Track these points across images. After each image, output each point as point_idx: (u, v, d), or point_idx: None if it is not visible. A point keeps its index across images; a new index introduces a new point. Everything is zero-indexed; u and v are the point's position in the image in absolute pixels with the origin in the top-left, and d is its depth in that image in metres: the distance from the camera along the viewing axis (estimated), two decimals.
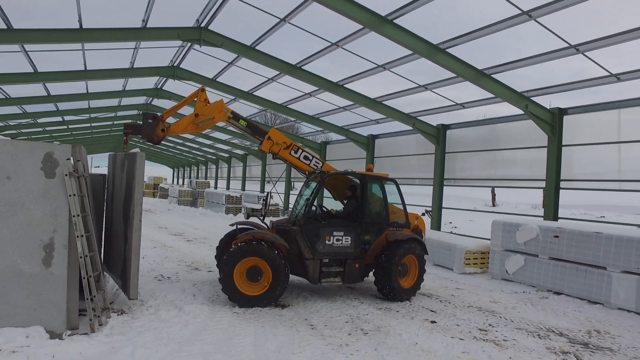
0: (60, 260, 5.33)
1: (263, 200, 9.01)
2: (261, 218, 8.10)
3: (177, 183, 52.25)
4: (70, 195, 5.48)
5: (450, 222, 21.55)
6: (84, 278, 5.46)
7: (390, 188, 8.64)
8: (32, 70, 13.30)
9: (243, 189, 30.66)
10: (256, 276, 6.91)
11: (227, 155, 33.56)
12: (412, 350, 5.41)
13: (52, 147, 5.61)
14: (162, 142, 34.10)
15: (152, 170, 56.14)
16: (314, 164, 8.54)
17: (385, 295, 7.81)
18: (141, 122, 7.70)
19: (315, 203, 8.10)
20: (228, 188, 33.69)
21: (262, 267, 6.91)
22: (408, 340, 5.73)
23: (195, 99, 7.89)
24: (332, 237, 7.59)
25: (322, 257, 7.55)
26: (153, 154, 46.21)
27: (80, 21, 10.03)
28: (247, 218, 8.51)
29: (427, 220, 9.71)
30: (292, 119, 19.72)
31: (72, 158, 5.88)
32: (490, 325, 6.69)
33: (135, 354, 4.72)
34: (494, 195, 34.83)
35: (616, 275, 8.04)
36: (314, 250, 7.47)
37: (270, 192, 9.58)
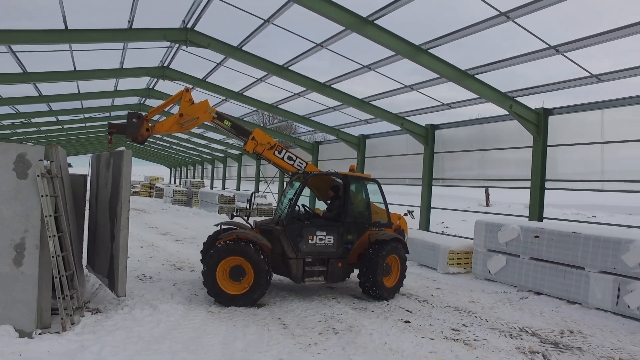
0: (31, 260, 5.38)
1: (247, 200, 9.10)
2: (245, 218, 8.19)
3: (174, 183, 52.31)
4: (42, 196, 5.54)
5: (442, 222, 21.61)
6: (55, 277, 5.52)
7: (372, 188, 8.73)
8: (22, 71, 13.36)
9: (238, 188, 30.73)
10: (239, 276, 6.99)
11: (222, 155, 33.64)
12: (380, 349, 5.47)
13: (25, 148, 5.66)
14: (159, 141, 34.03)
15: (149, 170, 56.24)
16: (297, 164, 8.61)
17: (369, 295, 7.91)
18: (125, 122, 7.72)
19: (298, 203, 8.16)
20: (223, 188, 33.76)
21: (245, 267, 6.99)
22: (378, 340, 5.78)
23: (180, 99, 7.92)
24: (315, 237, 7.67)
25: (305, 256, 7.63)
26: (150, 154, 46.29)
27: (65, 22, 10.09)
28: (232, 218, 8.59)
29: (409, 220, 9.77)
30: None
31: (51, 159, 5.99)
32: (464, 325, 6.74)
33: (102, 352, 4.79)
34: (487, 195, 34.87)
35: (594, 275, 8.08)
36: (297, 250, 7.55)
37: (254, 193, 9.70)
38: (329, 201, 8.95)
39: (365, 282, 7.88)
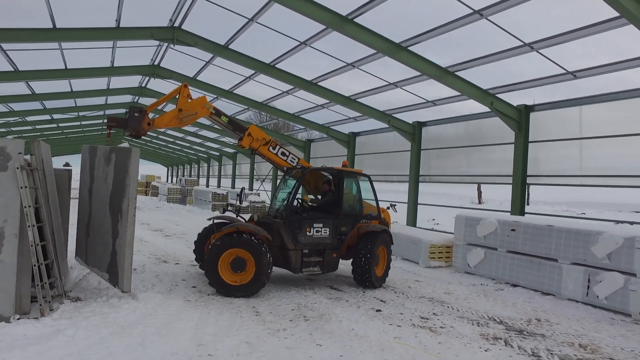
0: (10, 248, 5.59)
1: (237, 195, 9.38)
2: (236, 213, 8.47)
3: (171, 181, 52.54)
4: (21, 188, 5.75)
5: (434, 219, 21.82)
6: (34, 265, 5.73)
7: (364, 183, 9.10)
8: (13, 69, 13.58)
9: (233, 186, 30.96)
10: (240, 267, 7.21)
11: (217, 153, 33.86)
12: (346, 335, 5.67)
13: (5, 141, 5.88)
14: (154, 140, 34.17)
15: (147, 169, 56.48)
16: (290, 160, 8.91)
17: (362, 284, 8.32)
18: (124, 116, 7.75)
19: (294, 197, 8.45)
20: (219, 186, 33.99)
21: (247, 259, 7.22)
22: (346, 327, 5.99)
23: (178, 95, 8.02)
24: (312, 229, 8.02)
25: (303, 247, 7.95)
26: (147, 153, 46.51)
27: (53, 21, 10.30)
28: (223, 212, 8.86)
29: (392, 213, 10.04)
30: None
31: (32, 152, 6.20)
32: (434, 314, 6.95)
33: (76, 335, 5.00)
34: (479, 192, 35.09)
35: (566, 267, 8.29)
36: (296, 242, 7.86)
37: (244, 188, 10.03)
38: (319, 196, 9.30)
39: (360, 273, 8.25)
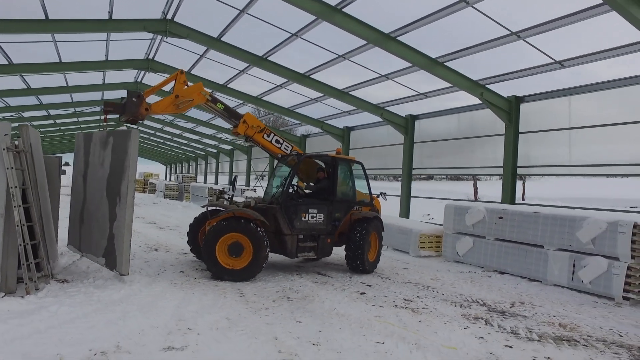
0: None
1: (230, 183, 9.54)
2: (229, 201, 8.63)
3: (170, 179, 52.64)
4: (7, 168, 5.84)
5: (429, 214, 21.90)
6: (20, 245, 5.81)
7: (357, 171, 9.27)
8: (7, 62, 13.66)
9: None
10: (238, 252, 7.30)
11: (215, 150, 33.95)
12: (327, 314, 5.74)
13: None
14: (152, 137, 33.94)
15: (146, 167, 56.55)
16: (284, 147, 9.02)
17: (356, 269, 8.48)
18: (120, 101, 7.73)
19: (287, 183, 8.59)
20: (216, 183, 34.07)
21: (244, 244, 7.32)
22: (328, 307, 6.06)
23: (175, 81, 8.02)
24: (307, 215, 8.16)
25: (299, 233, 8.08)
26: (146, 151, 46.60)
27: (45, 12, 10.38)
28: (217, 200, 8.97)
29: (383, 201, 10.15)
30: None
31: (19, 135, 6.29)
32: (418, 297, 7.02)
33: (59, 310, 5.08)
34: (475, 189, 35.19)
35: (552, 253, 8.36)
36: (292, 227, 7.99)
37: (237, 176, 10.22)
38: (311, 183, 9.46)
39: (354, 258, 8.39)
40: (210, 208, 8.41)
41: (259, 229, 7.39)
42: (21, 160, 6.19)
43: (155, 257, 8.96)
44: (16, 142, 6.27)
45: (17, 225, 5.81)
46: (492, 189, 28.14)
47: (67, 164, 33.31)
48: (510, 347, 4.98)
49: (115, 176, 6.72)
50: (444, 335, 5.19)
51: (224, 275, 7.15)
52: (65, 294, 5.80)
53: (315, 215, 8.23)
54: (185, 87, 8.08)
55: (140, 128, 27.88)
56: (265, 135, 8.78)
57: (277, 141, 8.92)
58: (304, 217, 8.11)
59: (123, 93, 20.63)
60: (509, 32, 8.99)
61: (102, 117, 8.14)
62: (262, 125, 8.79)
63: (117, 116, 7.86)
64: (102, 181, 7.01)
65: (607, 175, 10.16)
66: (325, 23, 9.93)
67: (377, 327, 5.33)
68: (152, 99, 8.30)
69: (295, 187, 9.20)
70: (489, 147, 12.69)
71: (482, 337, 5.21)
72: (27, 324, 4.61)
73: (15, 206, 5.82)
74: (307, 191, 9.26)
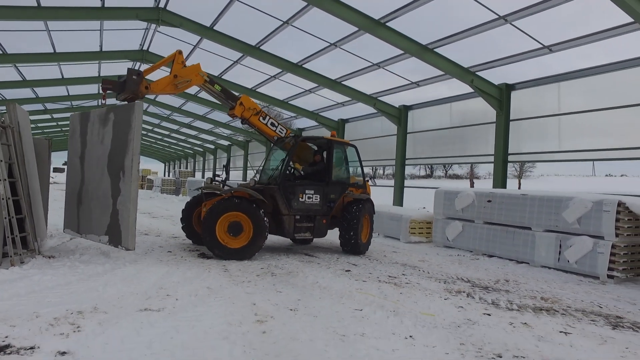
0: None
1: (223, 166, 9.69)
2: (222, 184, 8.75)
3: (168, 176, 52.73)
4: None
5: (424, 207, 21.88)
6: (5, 218, 5.87)
7: (350, 153, 9.38)
8: (1, 52, 13.73)
9: (227, 178, 31.05)
10: (237, 231, 7.40)
11: (212, 147, 34.01)
12: (309, 287, 5.78)
13: None
14: (150, 134, 33.74)
15: (145, 165, 56.66)
16: (279, 130, 9.15)
17: (349, 250, 8.64)
18: (118, 79, 7.63)
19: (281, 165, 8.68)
20: (214, 178, 34.09)
21: (244, 223, 7.43)
22: (311, 281, 6.10)
23: (173, 61, 8.00)
24: (304, 195, 8.29)
25: (296, 213, 8.20)
26: (143, 148, 46.67)
27: (38, 1, 10.44)
28: (211, 183, 9.07)
29: (374, 189, 10.26)
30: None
31: (6, 110, 6.34)
32: (403, 274, 7.05)
33: (42, 279, 5.14)
34: (472, 184, 35.26)
35: (539, 234, 8.40)
36: (290, 207, 8.12)
37: (229, 159, 10.35)
38: (302, 166, 9.52)
39: (348, 239, 8.51)
40: (205, 191, 8.46)
41: (258, 208, 7.51)
42: (7, 135, 6.25)
43: (145, 240, 9.01)
44: (2, 119, 6.33)
45: (2, 199, 5.87)
46: (486, 183, 28.22)
47: (66, 164, 33.52)
48: (489, 314, 5.01)
49: (118, 151, 6.66)
50: (423, 305, 5.23)
51: (223, 253, 7.25)
52: (51, 267, 5.85)
53: (312, 196, 8.37)
54: (183, 67, 8.08)
55: None
56: (260, 118, 8.93)
57: (272, 124, 9.07)
58: (301, 197, 8.24)
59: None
60: (497, 16, 9.04)
61: (101, 94, 7.98)
62: (258, 107, 8.93)
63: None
64: (103, 159, 6.96)
65: (598, 160, 10.20)
66: (315, 10, 10.00)
67: (357, 297, 5.37)
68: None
69: (291, 169, 9.31)
70: (482, 135, 12.73)
71: (462, 307, 5.25)
72: (8, 289, 4.66)
73: (0, 180, 5.88)
74: (302, 173, 9.35)
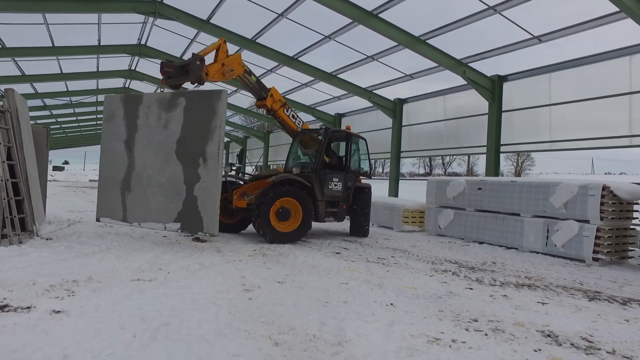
0: None
1: (237, 155, 10.11)
2: (236, 171, 9.14)
3: None
4: None
5: None
6: (4, 199, 6.04)
7: (362, 145, 10.14)
8: (0, 46, 13.90)
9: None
10: (285, 216, 7.88)
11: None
12: (298, 265, 5.96)
13: None
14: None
15: None
16: (298, 123, 9.80)
17: (360, 234, 9.64)
18: (174, 62, 7.51)
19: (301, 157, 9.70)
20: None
21: (292, 208, 7.96)
22: (301, 261, 6.28)
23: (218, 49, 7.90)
24: (332, 183, 8.94)
25: (326, 199, 8.81)
26: None
27: None
28: (230, 171, 9.78)
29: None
30: None
31: (4, 94, 6.51)
32: (392, 257, 7.23)
33: (39, 256, 5.31)
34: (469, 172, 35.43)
35: (527, 220, 8.57)
36: (322, 194, 8.70)
37: (244, 149, 10.92)
38: (310, 157, 9.92)
39: (361, 223, 9.55)
40: (229, 179, 9.12)
41: (307, 194, 8.08)
42: (6, 119, 6.42)
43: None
44: (1, 103, 6.50)
45: (1, 180, 6.04)
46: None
47: (66, 163, 33.54)
48: (471, 289, 5.19)
49: (194, 137, 6.49)
50: (408, 281, 5.40)
51: (275, 237, 7.66)
52: (49, 247, 6.03)
53: (337, 183, 9.04)
54: (227, 56, 8.07)
55: None
56: (285, 110, 9.50)
57: (292, 116, 9.70)
58: (329, 185, 8.88)
59: (117, 82, 20.94)
60: (486, 6, 9.19)
61: (161, 78, 7.57)
62: (283, 99, 9.50)
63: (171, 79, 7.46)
64: (168, 144, 6.70)
65: (589, 148, 10.35)
66: (309, 1, 10.15)
67: (345, 274, 5.54)
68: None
69: (311, 160, 9.66)
70: (475, 127, 12.88)
71: (446, 282, 5.43)
72: (6, 263, 4.83)
73: None
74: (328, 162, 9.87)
